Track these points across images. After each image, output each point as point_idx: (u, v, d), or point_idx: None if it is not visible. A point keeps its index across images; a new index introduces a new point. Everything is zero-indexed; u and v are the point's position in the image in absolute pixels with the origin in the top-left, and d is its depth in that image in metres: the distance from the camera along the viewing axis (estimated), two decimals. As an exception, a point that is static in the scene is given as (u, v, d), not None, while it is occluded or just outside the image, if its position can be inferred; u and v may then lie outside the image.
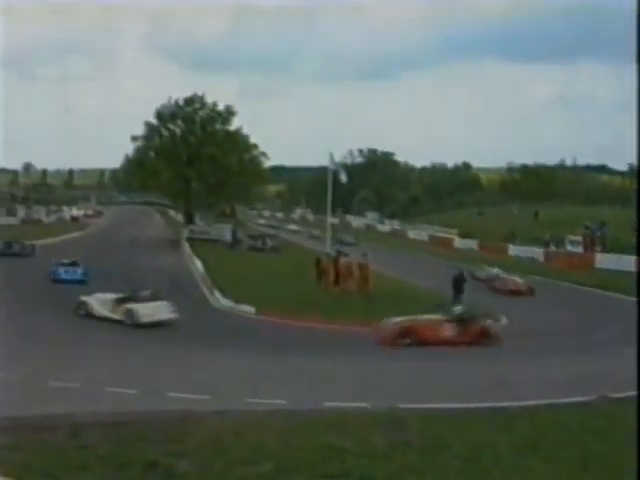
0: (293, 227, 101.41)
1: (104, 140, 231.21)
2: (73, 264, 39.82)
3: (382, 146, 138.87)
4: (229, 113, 75.64)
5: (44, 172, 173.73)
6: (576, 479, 10.12)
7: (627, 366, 10.00)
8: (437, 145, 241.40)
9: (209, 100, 75.54)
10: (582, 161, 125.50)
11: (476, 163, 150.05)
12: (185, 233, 70.31)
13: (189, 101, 75.02)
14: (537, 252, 62.26)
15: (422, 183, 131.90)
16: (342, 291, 35.19)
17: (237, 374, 18.51)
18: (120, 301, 27.71)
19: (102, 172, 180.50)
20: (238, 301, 32.45)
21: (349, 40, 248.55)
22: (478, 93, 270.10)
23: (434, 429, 12.04)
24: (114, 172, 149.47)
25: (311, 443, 10.83)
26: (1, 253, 46.86)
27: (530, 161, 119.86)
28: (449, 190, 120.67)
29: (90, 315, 27.62)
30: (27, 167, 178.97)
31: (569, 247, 61.65)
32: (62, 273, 38.72)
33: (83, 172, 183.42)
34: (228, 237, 67.17)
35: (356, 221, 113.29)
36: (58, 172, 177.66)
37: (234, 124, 75.96)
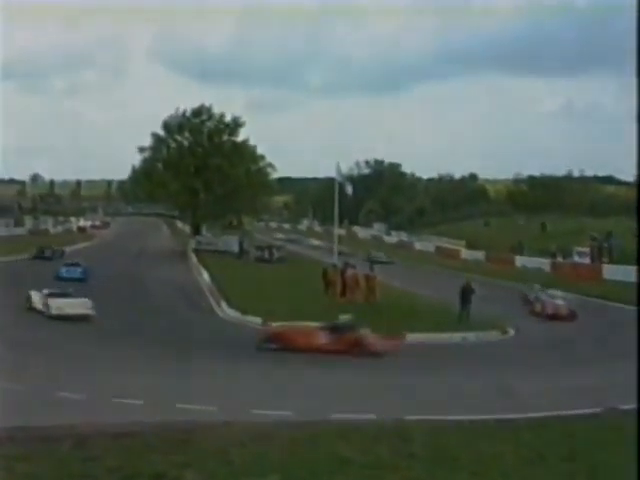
0: (315, 242, 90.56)
1: (111, 151, 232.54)
2: (74, 264, 45.15)
3: (389, 157, 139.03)
4: (236, 124, 75.80)
5: (51, 183, 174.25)
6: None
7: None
8: (444, 156, 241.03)
9: (216, 111, 75.81)
10: (589, 172, 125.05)
11: (483, 174, 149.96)
12: (192, 244, 70.40)
13: (196, 112, 75.20)
14: (544, 263, 62.11)
15: (429, 194, 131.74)
16: (349, 302, 35.13)
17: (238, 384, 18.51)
18: (48, 296, 30.40)
19: (109, 183, 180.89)
20: (245, 312, 32.42)
21: (357, 52, 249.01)
22: (485, 105, 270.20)
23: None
24: (121, 183, 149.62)
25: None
26: (36, 257, 54.63)
27: (537, 172, 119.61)
28: (456, 201, 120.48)
29: (32, 307, 30.48)
30: (35, 178, 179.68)
31: (576, 258, 61.51)
32: (64, 272, 43.14)
33: (90, 183, 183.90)
34: (235, 248, 67.18)
35: (363, 232, 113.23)
36: (65, 183, 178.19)
37: (241, 135, 76.19)
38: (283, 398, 16.59)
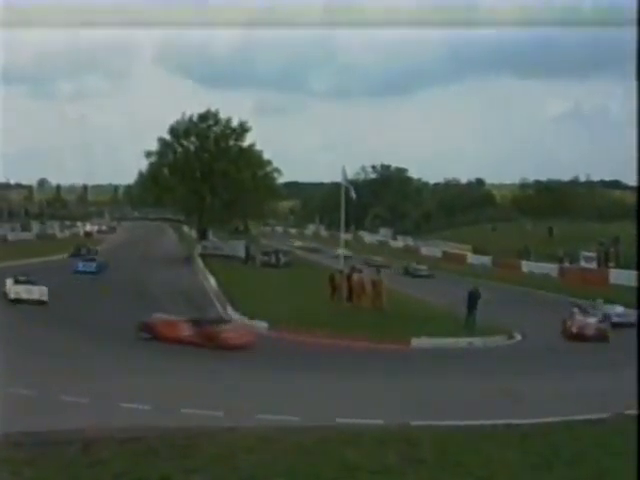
0: (341, 251, 78.62)
1: (118, 156, 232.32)
2: (90, 260, 54.36)
3: (395, 162, 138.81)
4: (243, 129, 75.87)
5: (58, 188, 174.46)
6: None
7: None
8: (450, 161, 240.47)
9: (223, 116, 75.89)
10: (596, 177, 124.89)
11: (489, 179, 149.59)
12: (198, 249, 70.44)
13: (203, 117, 75.29)
14: (551, 268, 62.01)
15: (435, 199, 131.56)
16: (355, 307, 35.14)
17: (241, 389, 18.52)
18: (13, 282, 36.14)
19: (116, 188, 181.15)
20: (251, 317, 32.43)
21: (363, 57, 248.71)
22: (491, 109, 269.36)
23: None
24: (128, 188, 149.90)
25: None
26: (72, 255, 62.29)
27: (543, 177, 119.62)
28: (462, 206, 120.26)
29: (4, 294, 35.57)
30: (41, 183, 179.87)
31: (583, 263, 61.40)
32: (80, 266, 51.82)
33: (97, 188, 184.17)
34: (241, 253, 67.19)
35: (369, 237, 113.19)
36: (72, 188, 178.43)
37: (247, 140, 76.26)
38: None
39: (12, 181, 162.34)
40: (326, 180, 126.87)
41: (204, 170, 73.84)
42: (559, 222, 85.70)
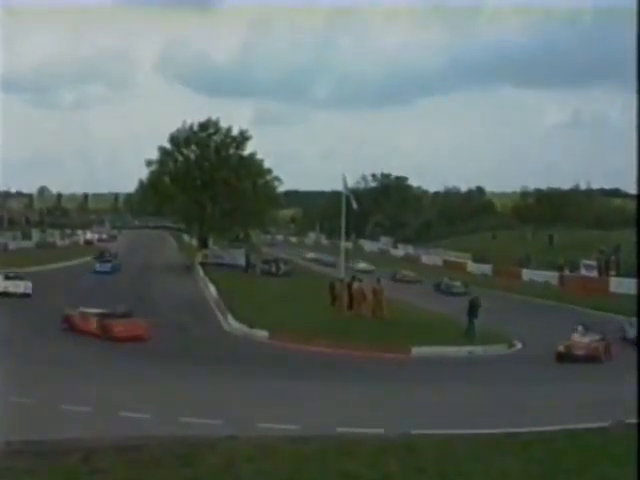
0: (363, 266, 70.44)
1: (118, 164, 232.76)
2: (106, 261, 63.68)
3: (395, 170, 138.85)
4: (243, 138, 75.96)
5: (59, 196, 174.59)
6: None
7: None
8: (450, 169, 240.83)
9: (223, 125, 75.98)
10: (596, 185, 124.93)
11: (490, 187, 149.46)
12: (199, 257, 70.47)
13: (203, 126, 75.39)
14: (551, 276, 61.98)
15: (436, 207, 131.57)
16: (356, 316, 35.12)
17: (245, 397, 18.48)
18: (3, 279, 41.29)
19: (116, 196, 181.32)
20: (251, 326, 32.42)
21: (363, 65, 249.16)
22: (491, 118, 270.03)
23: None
24: (128, 196, 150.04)
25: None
26: (96, 257, 68.47)
27: (544, 185, 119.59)
28: (463, 214, 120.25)
29: None
30: (42, 191, 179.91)
31: (584, 271, 61.36)
32: (98, 267, 60.87)
33: (97, 196, 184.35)
34: (242, 262, 67.22)
35: (369, 246, 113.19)
36: (73, 196, 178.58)
37: (248, 149, 76.33)
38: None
39: (13, 189, 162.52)
40: (326, 189, 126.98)
41: (204, 179, 73.94)
42: (559, 230, 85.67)
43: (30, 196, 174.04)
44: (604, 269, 59.12)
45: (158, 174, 75.69)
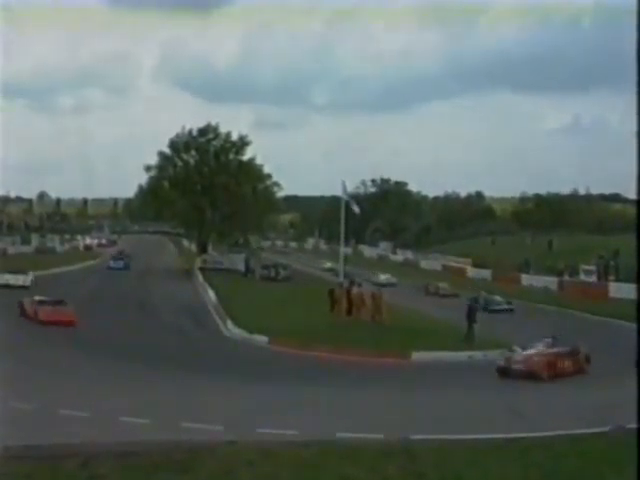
0: (384, 278, 64.35)
1: (118, 169, 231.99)
2: (120, 258, 73.57)
3: (395, 176, 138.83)
4: (243, 143, 76.04)
5: (58, 201, 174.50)
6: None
7: None
8: (450, 174, 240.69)
9: (223, 130, 76.03)
10: (595, 190, 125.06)
11: (489, 192, 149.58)
12: (198, 262, 70.44)
13: (203, 131, 75.46)
14: (551, 282, 61.93)
15: (435, 213, 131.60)
16: (355, 321, 35.09)
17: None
18: (7, 273, 47.72)
19: (116, 201, 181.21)
20: (251, 331, 32.40)
21: (362, 70, 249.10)
22: (491, 122, 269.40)
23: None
24: (128, 201, 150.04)
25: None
26: (114, 257, 75.99)
27: (543, 190, 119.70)
28: (462, 220, 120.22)
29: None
30: (41, 196, 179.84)
31: (583, 276, 61.34)
32: (112, 263, 71.29)
33: (97, 201, 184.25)
34: (241, 267, 67.19)
35: (369, 251, 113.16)
36: (72, 201, 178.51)
37: (247, 154, 76.37)
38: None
39: (12, 194, 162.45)
40: (326, 194, 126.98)
41: (204, 184, 73.98)
42: (559, 235, 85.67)
43: (29, 201, 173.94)
44: (603, 274, 59.09)
45: (157, 179, 75.76)
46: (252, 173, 75.71)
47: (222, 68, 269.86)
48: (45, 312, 33.69)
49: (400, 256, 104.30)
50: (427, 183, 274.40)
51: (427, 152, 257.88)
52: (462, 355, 29.21)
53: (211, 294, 46.62)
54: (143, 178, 78.32)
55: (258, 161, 76.74)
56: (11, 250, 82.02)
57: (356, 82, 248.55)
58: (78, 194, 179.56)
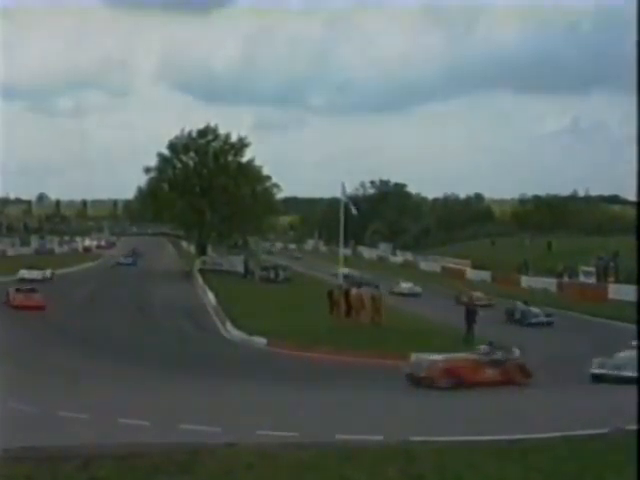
0: (407, 286, 58.08)
1: (117, 171, 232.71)
2: (129, 256, 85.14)
3: (394, 177, 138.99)
4: (242, 145, 76.08)
5: (57, 203, 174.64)
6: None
7: None
8: (449, 176, 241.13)
9: (222, 132, 76.05)
10: (594, 191, 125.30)
11: (488, 194, 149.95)
12: (198, 264, 70.46)
13: (202, 133, 75.50)
14: (550, 283, 61.94)
15: (434, 214, 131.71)
16: (354, 322, 35.06)
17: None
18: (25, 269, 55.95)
19: (115, 203, 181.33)
20: (250, 332, 32.39)
21: (361, 72, 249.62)
22: (490, 125, 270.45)
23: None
24: (127, 203, 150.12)
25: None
26: (127, 254, 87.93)
27: (542, 192, 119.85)
28: (461, 221, 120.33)
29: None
30: (41, 198, 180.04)
31: (582, 278, 61.37)
32: (122, 259, 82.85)
33: (96, 203, 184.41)
34: (240, 268, 67.20)
35: (368, 252, 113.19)
36: (71, 203, 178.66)
37: (247, 155, 76.40)
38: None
39: (12, 196, 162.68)
40: (325, 195, 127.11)
41: (203, 185, 74.01)
42: (558, 237, 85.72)
43: (29, 203, 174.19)
44: (603, 276, 59.11)
45: (157, 181, 75.81)
46: (251, 175, 75.77)
47: (222, 70, 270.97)
48: (18, 299, 39.90)
49: (400, 257, 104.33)
50: (426, 185, 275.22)
51: (426, 154, 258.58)
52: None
53: (210, 296, 46.63)
54: (142, 180, 78.59)
55: (257, 163, 77.03)
56: (10, 251, 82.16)
57: (355, 84, 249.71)
58: (77, 196, 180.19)
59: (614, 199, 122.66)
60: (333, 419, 16.75)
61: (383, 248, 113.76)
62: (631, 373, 21.60)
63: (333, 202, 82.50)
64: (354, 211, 39.44)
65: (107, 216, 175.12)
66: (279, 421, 15.77)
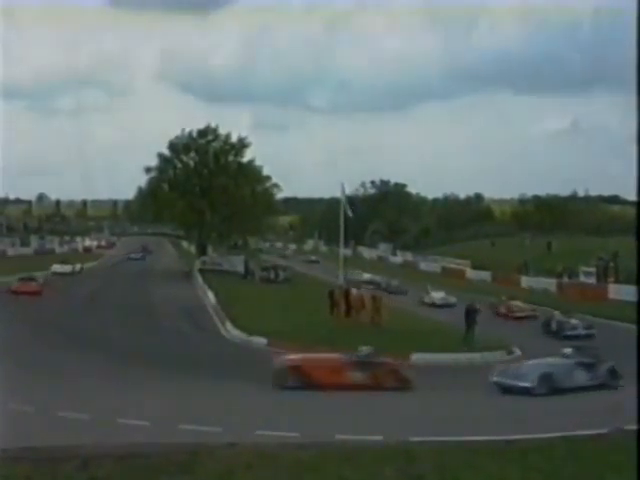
0: (439, 296, 51.31)
1: (117, 171, 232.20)
2: (139, 252, 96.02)
3: (394, 177, 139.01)
4: (242, 145, 76.01)
5: (57, 203, 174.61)
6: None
7: None
8: (449, 176, 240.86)
9: (222, 132, 76.01)
10: (594, 192, 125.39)
11: (488, 194, 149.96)
12: (198, 264, 70.44)
13: (202, 133, 75.44)
14: (550, 283, 61.92)
15: (434, 214, 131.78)
16: (354, 323, 35.05)
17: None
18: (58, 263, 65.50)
19: (115, 203, 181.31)
20: (250, 333, 32.37)
21: (361, 72, 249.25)
22: (490, 124, 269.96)
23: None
24: (127, 203, 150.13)
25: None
26: (141, 251, 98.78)
27: (542, 192, 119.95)
28: (461, 221, 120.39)
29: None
30: (41, 198, 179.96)
31: (582, 278, 61.35)
32: (132, 255, 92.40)
33: (96, 203, 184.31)
34: (240, 268, 67.19)
35: (368, 252, 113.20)
36: (71, 203, 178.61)
37: (247, 156, 76.37)
38: None
39: (11, 196, 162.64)
40: (325, 196, 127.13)
41: (203, 186, 73.95)
42: (558, 237, 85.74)
43: (29, 203, 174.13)
44: (603, 276, 59.08)
45: (157, 181, 75.74)
46: (251, 175, 75.73)
47: (222, 69, 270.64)
48: (17, 286, 46.85)
49: (399, 258, 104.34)
50: (426, 185, 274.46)
51: (426, 154, 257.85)
52: (462, 357, 29.22)
53: (210, 296, 46.61)
54: (142, 180, 78.47)
55: (257, 163, 76.91)
56: (10, 251, 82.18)
57: (356, 84, 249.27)
58: (77, 196, 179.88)
59: (614, 199, 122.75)
60: (332, 419, 16.76)
61: (383, 248, 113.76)
62: (528, 384, 21.02)
63: (333, 202, 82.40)
64: (349, 213, 39.35)
65: (107, 216, 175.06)
66: (280, 421, 15.79)
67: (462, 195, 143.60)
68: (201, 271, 64.92)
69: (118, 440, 13.11)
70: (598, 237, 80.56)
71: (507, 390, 21.41)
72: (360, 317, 35.57)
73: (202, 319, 39.49)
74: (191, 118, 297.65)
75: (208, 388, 21.37)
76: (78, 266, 67.15)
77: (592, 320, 40.31)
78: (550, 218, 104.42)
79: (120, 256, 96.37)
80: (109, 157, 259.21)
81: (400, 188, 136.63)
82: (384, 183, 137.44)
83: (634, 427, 14.05)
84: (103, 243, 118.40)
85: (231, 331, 34.02)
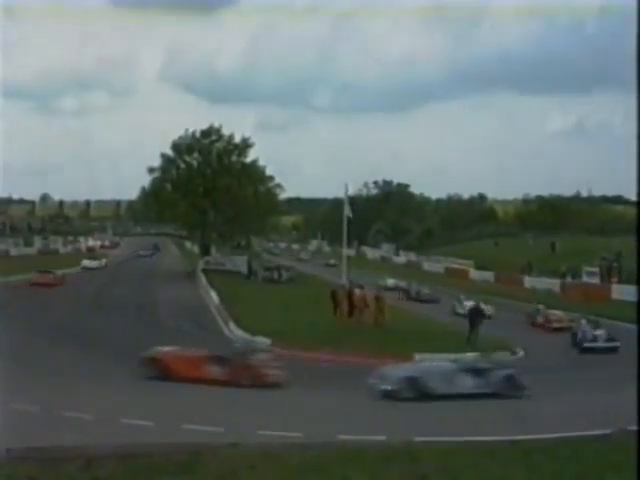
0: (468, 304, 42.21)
1: (121, 172, 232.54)
2: (147, 249, 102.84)
3: (397, 178, 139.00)
4: (245, 145, 75.97)
5: (61, 203, 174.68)
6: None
7: None
8: (452, 177, 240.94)
9: (225, 132, 76.01)
10: (598, 192, 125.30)
11: (491, 194, 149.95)
12: (201, 264, 70.45)
13: (206, 133, 75.41)
14: (553, 283, 61.89)
15: (437, 215, 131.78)
16: (357, 323, 35.03)
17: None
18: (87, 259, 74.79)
19: (118, 203, 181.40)
20: (253, 333, 32.36)
21: (365, 72, 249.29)
22: (494, 124, 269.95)
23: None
24: (131, 203, 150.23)
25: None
26: (152, 248, 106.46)
27: (546, 192, 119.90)
28: (465, 222, 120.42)
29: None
30: (44, 198, 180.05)
31: (586, 278, 61.31)
32: (141, 252, 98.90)
33: (100, 203, 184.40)
34: (244, 269, 67.21)
35: (371, 253, 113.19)
36: (75, 203, 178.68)
37: (250, 156, 76.35)
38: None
39: (15, 196, 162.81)
40: (329, 196, 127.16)
41: (207, 186, 73.92)
42: (561, 237, 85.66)
43: (32, 203, 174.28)
44: (606, 276, 59.07)
45: (160, 181, 75.74)
46: (254, 175, 75.69)
47: (225, 70, 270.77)
48: (34, 278, 51.01)
49: (403, 258, 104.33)
50: (430, 185, 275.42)
51: (430, 154, 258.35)
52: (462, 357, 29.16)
53: (213, 296, 46.62)
54: (146, 180, 78.50)
55: (261, 163, 76.85)
56: (14, 252, 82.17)
57: (359, 84, 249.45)
58: (81, 196, 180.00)
59: (617, 199, 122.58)
60: (335, 420, 16.76)
61: (386, 248, 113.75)
62: (390, 387, 20.27)
63: (336, 202, 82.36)
64: (349, 214, 39.26)
65: (110, 216, 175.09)
66: (282, 421, 15.80)
67: (465, 195, 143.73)
68: (204, 271, 64.92)
69: (118, 440, 13.12)
70: (601, 237, 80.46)
71: (381, 393, 20.45)
72: (363, 317, 35.55)
73: (205, 319, 39.49)
74: (194, 118, 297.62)
75: (211, 388, 21.35)
76: (104, 261, 77.51)
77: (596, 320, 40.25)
78: (553, 218, 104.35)
79: (124, 256, 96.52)
80: (112, 157, 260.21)
81: (403, 188, 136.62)
82: (387, 183, 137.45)
83: (635, 427, 14.10)
84: (107, 243, 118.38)
85: (234, 331, 34.00)
